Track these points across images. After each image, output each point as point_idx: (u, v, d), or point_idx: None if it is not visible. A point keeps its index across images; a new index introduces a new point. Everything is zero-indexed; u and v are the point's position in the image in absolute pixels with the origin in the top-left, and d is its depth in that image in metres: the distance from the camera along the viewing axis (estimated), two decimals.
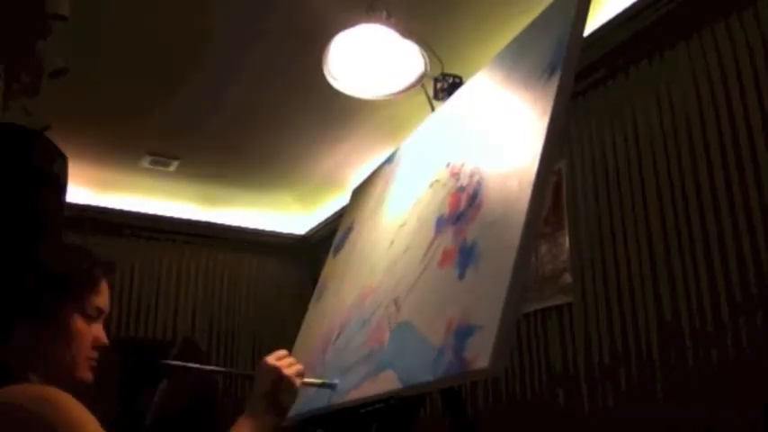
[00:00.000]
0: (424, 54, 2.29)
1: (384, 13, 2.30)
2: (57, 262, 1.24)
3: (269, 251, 4.86)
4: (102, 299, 1.25)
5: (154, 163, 3.89)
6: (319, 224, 4.69)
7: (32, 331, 1.17)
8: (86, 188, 4.03)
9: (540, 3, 1.46)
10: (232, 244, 4.73)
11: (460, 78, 2.55)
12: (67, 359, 1.19)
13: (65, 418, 1.04)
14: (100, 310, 1.24)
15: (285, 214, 4.71)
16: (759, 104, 2.11)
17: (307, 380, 1.34)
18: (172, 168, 3.97)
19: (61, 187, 1.87)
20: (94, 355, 1.23)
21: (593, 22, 2.62)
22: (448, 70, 2.54)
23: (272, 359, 1.28)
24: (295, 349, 2.01)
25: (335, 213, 4.40)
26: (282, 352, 1.31)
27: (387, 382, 1.16)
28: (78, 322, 1.20)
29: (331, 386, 1.47)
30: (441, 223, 1.37)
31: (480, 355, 0.91)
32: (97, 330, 1.24)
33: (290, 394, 1.26)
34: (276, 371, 1.25)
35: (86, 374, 1.22)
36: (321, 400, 1.46)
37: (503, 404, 2.93)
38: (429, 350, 1.07)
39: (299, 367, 1.28)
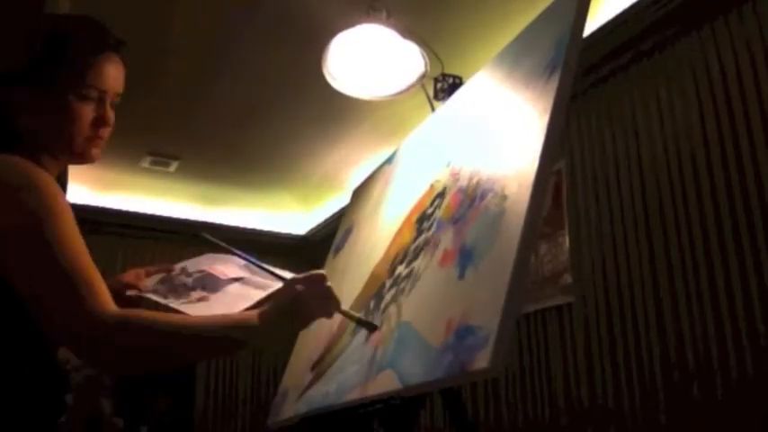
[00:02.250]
0: (424, 54, 2.29)
1: (384, 13, 2.30)
2: (49, 30, 1.19)
3: (269, 251, 4.85)
4: (101, 77, 1.21)
5: (154, 163, 3.89)
6: (319, 224, 4.69)
7: (35, 106, 1.16)
8: (86, 188, 4.04)
9: (540, 3, 1.46)
10: (232, 244, 4.72)
11: (460, 78, 2.55)
12: (64, 137, 1.17)
13: (44, 201, 1.06)
14: (99, 90, 1.20)
15: (285, 214, 4.71)
16: (759, 103, 2.11)
17: (344, 309, 1.24)
18: (172, 168, 3.97)
19: (61, 187, 1.87)
20: (98, 133, 1.21)
21: (594, 21, 2.62)
22: (448, 70, 2.54)
23: (301, 281, 1.19)
24: (295, 349, 2.01)
25: (335, 213, 4.40)
26: (318, 275, 1.21)
27: (387, 383, 1.16)
28: (73, 101, 1.17)
29: (370, 326, 1.36)
30: (441, 223, 1.37)
31: (480, 355, 0.91)
32: (99, 110, 1.20)
33: (299, 323, 1.17)
34: (297, 297, 1.16)
35: (86, 153, 1.21)
36: (321, 401, 1.46)
37: (502, 404, 2.93)
38: (429, 350, 1.07)
39: (329, 300, 1.18)
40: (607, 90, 2.69)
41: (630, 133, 2.55)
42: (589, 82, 2.73)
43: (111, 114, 1.23)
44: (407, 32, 2.29)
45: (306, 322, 1.17)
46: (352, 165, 3.95)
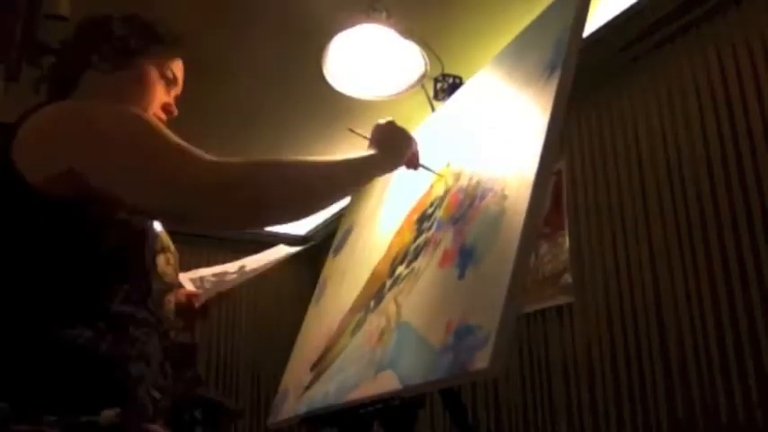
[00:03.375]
0: (424, 54, 2.29)
1: (384, 14, 2.30)
2: (145, 18, 1.31)
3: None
4: (178, 68, 1.30)
5: None
6: (319, 224, 4.69)
7: (116, 79, 1.20)
8: None
9: (540, 3, 1.46)
10: (232, 244, 4.72)
11: (460, 79, 2.56)
12: (139, 102, 1.21)
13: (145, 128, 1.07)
14: (176, 79, 1.29)
15: None
16: (759, 103, 2.11)
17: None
18: None
19: None
20: (161, 115, 1.26)
21: (594, 21, 2.62)
22: (448, 70, 2.54)
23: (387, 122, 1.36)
24: (295, 349, 2.01)
25: (335, 213, 4.40)
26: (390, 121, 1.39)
27: (386, 383, 1.16)
28: (154, 75, 1.24)
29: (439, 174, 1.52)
30: (441, 223, 1.37)
31: (480, 355, 0.91)
32: (169, 96, 1.27)
33: (407, 145, 1.34)
34: (393, 126, 1.34)
35: (159, 115, 1.25)
36: (321, 401, 1.46)
37: (502, 404, 2.93)
38: (428, 350, 1.07)
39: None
40: (607, 90, 2.69)
41: (631, 133, 2.55)
42: (589, 82, 2.73)
43: (174, 107, 1.30)
44: (407, 32, 2.29)
45: (402, 150, 1.36)
46: None
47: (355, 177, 1.24)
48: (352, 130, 1.59)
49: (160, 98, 1.25)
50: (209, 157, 1.01)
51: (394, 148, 1.32)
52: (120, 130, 1.03)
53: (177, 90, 1.30)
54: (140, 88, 1.22)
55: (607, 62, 2.66)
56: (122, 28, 1.24)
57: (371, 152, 1.28)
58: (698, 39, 2.34)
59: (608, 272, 2.53)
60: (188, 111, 3.48)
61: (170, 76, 1.27)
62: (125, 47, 1.22)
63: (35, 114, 1.04)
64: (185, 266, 4.93)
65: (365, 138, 1.43)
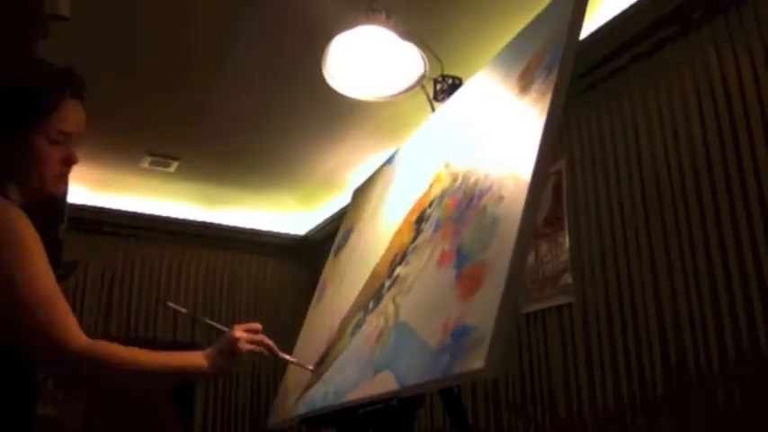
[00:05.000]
0: (424, 55, 2.29)
1: (383, 14, 2.30)
2: (15, 83, 1.26)
3: (269, 251, 4.86)
4: (67, 121, 1.27)
5: (154, 163, 3.89)
6: (319, 224, 4.69)
7: (2, 153, 1.23)
8: (86, 188, 4.04)
9: (538, 4, 1.46)
10: (232, 244, 4.73)
11: (460, 79, 2.56)
12: (35, 177, 1.25)
13: (12, 235, 1.14)
14: (65, 134, 1.27)
15: (285, 214, 4.71)
16: (759, 103, 2.11)
17: (284, 355, 1.48)
18: (172, 168, 3.97)
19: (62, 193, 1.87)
20: (65, 170, 1.29)
21: (593, 22, 2.63)
22: (447, 71, 2.54)
23: (239, 327, 1.39)
24: (296, 349, 2.01)
25: (335, 214, 4.40)
26: (254, 325, 1.42)
27: (385, 383, 1.16)
28: (42, 145, 1.24)
29: (306, 368, 1.63)
30: (439, 223, 1.38)
31: (476, 355, 0.92)
32: (66, 151, 1.28)
33: (232, 359, 1.36)
34: (231, 337, 1.36)
35: (55, 188, 1.29)
36: (321, 401, 1.47)
37: (502, 404, 2.93)
38: (426, 351, 1.07)
39: (261, 345, 1.41)
40: (607, 90, 2.69)
41: (630, 133, 2.55)
42: (589, 82, 2.73)
43: (75, 154, 1.31)
44: (407, 33, 2.29)
45: (239, 362, 1.38)
46: (352, 165, 3.96)
47: (173, 378, 1.34)
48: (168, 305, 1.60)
49: (56, 162, 1.27)
50: (66, 326, 1.16)
51: (219, 362, 1.35)
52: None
53: (74, 135, 1.30)
54: (30, 164, 1.25)
55: (607, 62, 2.66)
56: (15, 101, 1.25)
57: (198, 362, 1.33)
58: (698, 39, 2.34)
59: (608, 272, 2.53)
60: (188, 111, 3.50)
61: (59, 139, 1.26)
62: (4, 120, 1.24)
63: None
64: (185, 266, 4.93)
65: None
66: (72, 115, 1.29)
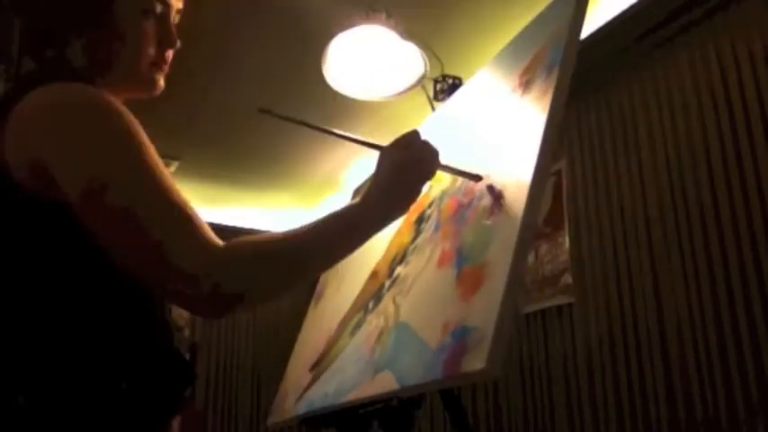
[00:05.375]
0: (424, 55, 2.29)
1: (384, 14, 2.31)
2: None
3: None
4: None
5: None
6: None
7: (89, 39, 0.99)
8: None
9: (538, 3, 1.46)
10: (235, 236, 4.72)
11: (460, 79, 2.56)
12: (129, 60, 1.03)
13: (127, 126, 0.91)
14: (163, 3, 1.03)
15: (285, 214, 4.71)
16: (759, 103, 2.11)
17: (446, 165, 1.13)
18: (172, 168, 3.97)
19: None
20: (164, 57, 1.07)
21: (593, 21, 2.62)
22: (448, 71, 2.55)
23: (405, 138, 1.04)
24: (295, 349, 2.01)
25: None
26: (414, 131, 1.07)
27: (384, 384, 1.16)
28: (135, 18, 1.01)
29: (475, 177, 1.22)
30: (439, 224, 1.38)
31: (477, 356, 0.91)
32: (164, 28, 1.05)
33: (423, 177, 1.05)
34: (413, 149, 1.02)
35: (155, 79, 1.09)
36: (320, 401, 1.46)
37: (502, 404, 2.93)
38: (426, 351, 1.07)
39: (436, 155, 1.06)
40: (607, 90, 2.69)
41: (631, 133, 2.55)
42: (589, 82, 2.73)
43: (175, 35, 1.06)
44: (407, 33, 2.29)
45: (415, 188, 1.06)
46: (352, 165, 3.95)
47: (358, 241, 1.01)
48: (268, 111, 1.13)
49: (147, 44, 1.03)
50: (201, 225, 0.91)
51: (410, 181, 1.03)
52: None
53: (173, 7, 1.05)
54: (123, 46, 1.01)
55: (607, 62, 2.66)
56: None
57: (370, 202, 1.01)
58: (698, 39, 2.34)
59: (608, 272, 2.53)
60: (188, 111, 3.49)
61: (156, 7, 1.02)
62: (88, 10, 0.99)
63: (22, 101, 0.90)
64: None
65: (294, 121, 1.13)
66: None
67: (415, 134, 1.06)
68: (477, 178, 1.23)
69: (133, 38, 1.01)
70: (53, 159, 0.86)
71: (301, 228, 0.97)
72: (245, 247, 0.96)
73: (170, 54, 1.08)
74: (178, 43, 1.08)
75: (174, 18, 1.08)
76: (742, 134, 2.15)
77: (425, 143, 1.06)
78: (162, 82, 1.11)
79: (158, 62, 1.08)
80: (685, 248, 2.27)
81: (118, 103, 0.93)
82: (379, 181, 1.02)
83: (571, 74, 1.16)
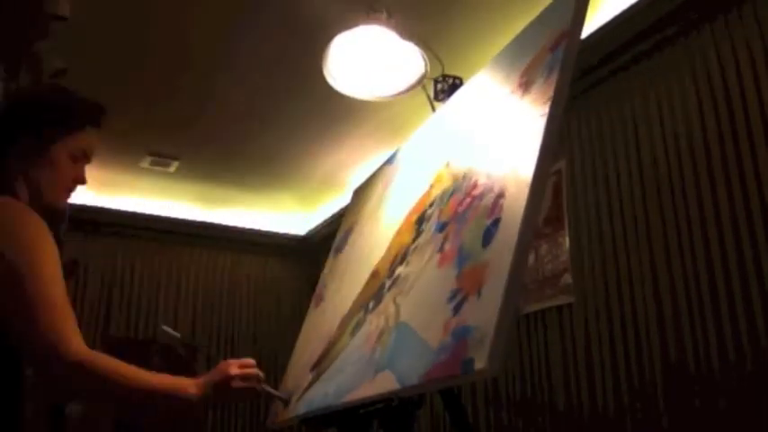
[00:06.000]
0: (425, 55, 2.29)
1: (384, 14, 2.30)
2: (57, 98, 1.41)
3: (269, 251, 4.86)
4: (89, 144, 1.41)
5: (154, 163, 3.90)
6: (319, 224, 4.69)
7: (26, 154, 1.33)
8: (86, 188, 4.03)
9: (539, 4, 1.46)
10: (232, 244, 4.73)
11: (461, 79, 2.56)
12: (48, 187, 1.35)
13: (29, 236, 1.22)
14: (84, 153, 1.40)
15: (285, 214, 4.71)
16: (759, 103, 2.11)
17: (266, 387, 1.48)
18: (172, 168, 3.97)
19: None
20: (73, 187, 1.41)
21: (594, 22, 2.63)
22: (448, 71, 2.54)
23: (235, 364, 1.41)
24: (296, 349, 2.01)
25: (335, 214, 4.40)
26: (248, 361, 1.43)
27: (385, 383, 1.16)
28: (64, 157, 1.36)
29: (284, 400, 1.68)
30: (440, 224, 1.38)
31: (477, 355, 0.92)
32: (79, 170, 1.40)
33: (224, 395, 1.39)
34: (225, 374, 1.38)
35: (62, 201, 1.40)
36: (321, 401, 1.47)
37: (502, 404, 2.93)
38: (427, 351, 1.07)
39: (250, 380, 1.41)
40: (607, 90, 2.69)
41: (630, 133, 2.55)
42: (589, 82, 2.73)
43: (84, 175, 1.43)
44: (408, 33, 2.29)
45: (230, 397, 1.41)
46: (352, 165, 3.96)
47: (161, 398, 1.32)
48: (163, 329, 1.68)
49: (67, 179, 1.38)
50: (68, 331, 1.18)
51: (210, 393, 1.37)
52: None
53: (87, 161, 1.43)
54: (48, 173, 1.35)
55: (607, 62, 2.66)
56: (38, 116, 1.36)
57: (188, 389, 1.33)
58: (698, 39, 2.34)
59: (608, 272, 2.53)
60: (188, 111, 3.49)
61: (78, 155, 1.39)
62: (39, 139, 1.35)
63: None
64: (185, 266, 4.94)
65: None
66: (93, 140, 1.43)
67: (248, 363, 1.43)
68: (286, 402, 1.68)
69: (59, 171, 1.37)
70: None
71: (152, 375, 1.30)
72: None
73: (80, 184, 1.43)
74: (85, 182, 1.44)
75: (86, 164, 1.43)
76: (742, 134, 2.15)
77: (249, 374, 1.43)
78: (64, 206, 1.43)
79: (69, 190, 1.41)
80: (685, 248, 2.27)
81: (41, 222, 1.26)
82: (212, 379, 1.38)
83: (571, 74, 1.16)
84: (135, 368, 1.27)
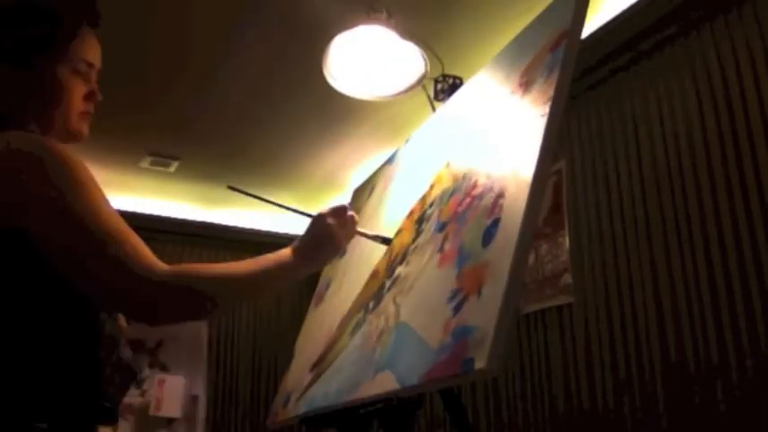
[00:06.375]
0: (425, 55, 2.29)
1: (384, 14, 2.30)
2: (30, 4, 1.17)
3: (269, 251, 4.84)
4: (89, 51, 1.20)
5: (154, 163, 3.90)
6: None
7: (21, 83, 1.13)
8: None
9: (539, 3, 1.46)
10: (232, 244, 4.73)
11: (461, 79, 2.56)
12: (58, 113, 1.16)
13: (64, 169, 1.04)
14: (88, 63, 1.19)
15: (285, 214, 4.71)
16: (759, 103, 2.11)
17: (361, 230, 1.43)
18: (172, 168, 3.97)
19: None
20: (88, 108, 1.21)
21: (594, 22, 2.63)
22: (448, 71, 2.55)
23: (329, 215, 1.32)
24: (296, 349, 2.01)
25: None
26: (341, 207, 1.35)
27: (385, 383, 1.16)
28: (65, 75, 1.16)
29: (386, 240, 1.56)
30: (440, 224, 1.38)
31: (477, 355, 0.92)
32: (89, 85, 1.20)
33: (333, 251, 1.33)
34: (328, 228, 1.30)
35: (80, 126, 1.21)
36: (321, 401, 1.47)
37: (502, 404, 2.93)
38: (427, 351, 1.07)
39: (352, 226, 1.35)
40: (607, 90, 2.69)
41: (630, 133, 2.55)
42: (589, 82, 2.73)
43: (97, 90, 1.23)
44: (408, 33, 2.29)
45: (328, 259, 1.35)
46: (352, 165, 3.96)
47: (268, 284, 1.28)
48: (233, 188, 1.60)
49: (77, 99, 1.19)
50: (139, 253, 1.05)
51: (317, 256, 1.31)
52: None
53: (95, 66, 1.22)
54: (53, 97, 1.16)
55: (607, 62, 2.66)
56: (14, 20, 1.14)
57: (287, 260, 1.28)
58: (698, 39, 2.34)
59: (608, 272, 2.53)
60: (188, 111, 3.49)
61: (83, 69, 1.18)
62: (27, 66, 1.14)
63: None
64: None
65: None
66: (92, 45, 1.22)
67: (342, 210, 1.35)
68: (388, 241, 1.57)
69: (63, 93, 1.16)
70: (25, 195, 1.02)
71: (248, 262, 1.23)
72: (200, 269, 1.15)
73: (93, 105, 1.23)
74: (99, 96, 1.23)
75: (96, 76, 1.23)
76: (742, 134, 2.15)
77: (346, 220, 1.35)
78: (86, 129, 1.24)
79: (84, 113, 1.21)
80: (685, 248, 2.27)
81: (69, 149, 1.08)
82: (303, 247, 1.30)
83: (571, 74, 1.16)
84: (225, 264, 1.18)
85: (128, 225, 1.06)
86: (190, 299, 1.09)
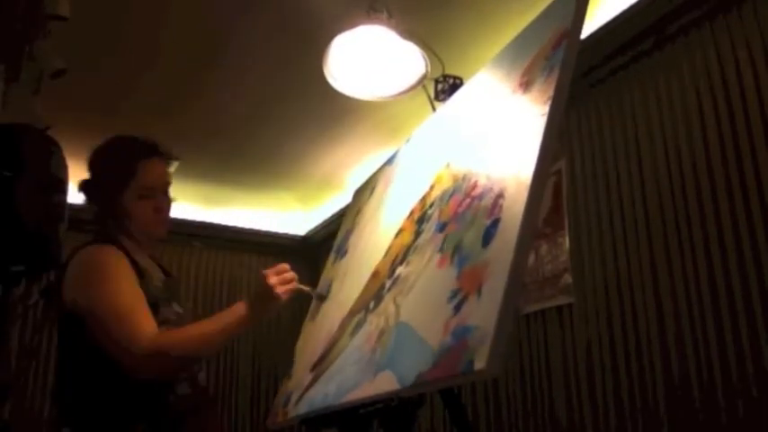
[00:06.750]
0: (425, 55, 2.29)
1: (384, 14, 2.30)
2: (97, 161, 1.69)
3: (269, 251, 4.85)
4: (147, 178, 1.64)
5: None
6: (319, 224, 4.69)
7: (109, 220, 1.63)
8: None
9: (539, 3, 1.46)
10: (232, 244, 4.73)
11: (461, 79, 2.56)
12: (135, 228, 1.62)
13: (96, 264, 1.51)
14: (150, 188, 1.63)
15: (285, 214, 4.71)
16: (759, 103, 2.11)
17: (300, 286, 1.64)
18: (172, 168, 3.97)
19: (63, 188, 1.87)
20: (159, 216, 1.65)
21: (594, 21, 2.63)
22: (449, 71, 2.54)
23: (271, 273, 1.57)
24: (297, 350, 2.01)
25: (335, 214, 4.40)
26: (282, 266, 1.60)
27: (385, 383, 1.16)
28: (133, 203, 1.61)
29: (321, 297, 1.88)
30: (440, 224, 1.38)
31: (477, 355, 0.92)
32: (155, 202, 1.64)
33: (274, 306, 1.57)
34: (268, 286, 1.55)
35: (156, 230, 1.67)
36: (321, 401, 1.47)
37: (502, 404, 2.93)
38: (427, 351, 1.08)
39: (292, 282, 1.59)
40: (607, 90, 2.69)
41: (630, 133, 2.55)
42: (589, 82, 2.73)
43: (164, 202, 1.68)
44: (408, 33, 2.29)
45: (276, 303, 1.57)
46: (352, 165, 3.96)
47: (228, 337, 1.57)
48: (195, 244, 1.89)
49: (147, 215, 1.62)
50: (133, 326, 1.43)
51: (261, 309, 1.57)
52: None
53: (158, 188, 1.67)
54: (129, 219, 1.62)
55: (607, 62, 2.66)
56: (94, 187, 1.66)
57: (242, 314, 1.55)
58: (698, 39, 2.34)
59: (608, 272, 2.53)
60: (188, 111, 3.49)
61: (146, 193, 1.62)
62: (108, 205, 1.64)
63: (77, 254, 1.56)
64: (185, 266, 4.91)
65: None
66: (151, 172, 1.66)
67: (282, 269, 1.60)
68: (322, 298, 1.91)
69: (134, 214, 1.63)
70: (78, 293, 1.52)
71: (213, 321, 1.54)
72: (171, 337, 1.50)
73: (164, 215, 1.69)
74: (169, 204, 1.72)
75: (165, 189, 1.71)
76: (742, 134, 2.15)
77: (285, 278, 1.59)
78: (163, 228, 1.69)
79: (157, 220, 1.66)
80: (685, 248, 2.27)
81: (117, 254, 1.55)
82: (252, 301, 1.58)
83: (571, 74, 1.16)
84: (193, 326, 1.50)
85: (139, 299, 1.47)
86: (168, 365, 1.46)
